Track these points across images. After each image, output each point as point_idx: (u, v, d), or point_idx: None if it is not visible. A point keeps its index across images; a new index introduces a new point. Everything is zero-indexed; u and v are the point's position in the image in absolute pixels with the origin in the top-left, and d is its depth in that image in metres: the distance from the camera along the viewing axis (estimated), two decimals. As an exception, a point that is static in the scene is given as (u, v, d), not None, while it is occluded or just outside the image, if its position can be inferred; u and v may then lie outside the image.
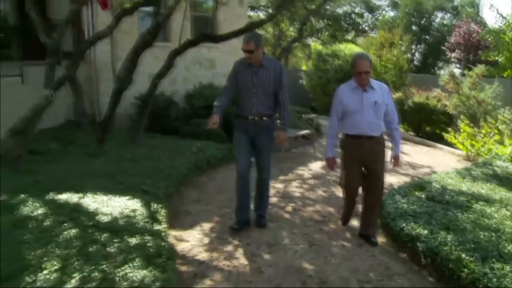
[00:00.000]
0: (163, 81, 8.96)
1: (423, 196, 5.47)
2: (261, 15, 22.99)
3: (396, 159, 4.67)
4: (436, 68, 20.97)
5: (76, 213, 4.56)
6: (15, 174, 6.03)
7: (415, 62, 24.91)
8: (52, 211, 4.57)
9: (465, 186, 5.98)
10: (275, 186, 6.73)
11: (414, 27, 24.80)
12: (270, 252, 4.34)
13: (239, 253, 4.30)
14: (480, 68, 11.29)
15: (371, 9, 28.34)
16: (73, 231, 4.06)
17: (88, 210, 4.64)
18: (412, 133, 13.03)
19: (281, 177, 7.36)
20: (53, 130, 9.49)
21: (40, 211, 4.57)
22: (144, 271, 3.38)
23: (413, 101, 12.58)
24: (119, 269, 3.38)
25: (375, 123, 4.41)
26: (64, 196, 5.07)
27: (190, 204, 5.90)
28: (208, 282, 3.74)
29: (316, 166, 8.23)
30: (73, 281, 3.18)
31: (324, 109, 14.24)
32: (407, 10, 24.89)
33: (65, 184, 5.60)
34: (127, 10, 6.83)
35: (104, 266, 3.42)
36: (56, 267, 3.37)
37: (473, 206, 5.09)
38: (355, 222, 5.08)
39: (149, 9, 9.31)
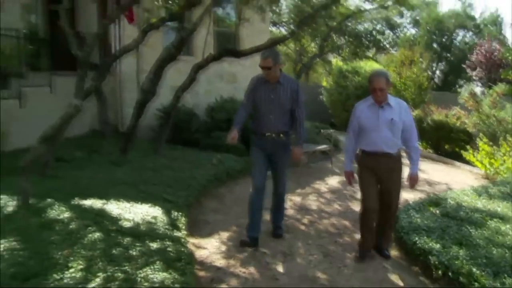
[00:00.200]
0: (185, 94, 9.20)
1: (437, 212, 5.55)
2: (283, 31, 23.26)
3: (412, 178, 4.56)
4: (457, 86, 20.93)
5: (100, 217, 4.76)
6: (42, 179, 6.29)
7: (436, 80, 24.87)
8: (77, 215, 4.77)
9: (481, 203, 6.03)
10: (292, 199, 6.88)
11: (435, 45, 24.80)
12: (285, 261, 4.48)
13: (255, 261, 4.45)
14: (500, 87, 11.30)
15: (393, 26, 28.41)
16: (97, 234, 4.25)
17: (112, 216, 4.83)
18: (430, 151, 13.03)
19: (298, 191, 7.50)
20: (78, 138, 9.79)
21: (66, 214, 4.77)
22: (164, 274, 3.54)
23: (432, 119, 12.62)
24: (140, 271, 3.55)
25: (391, 140, 4.39)
26: (88, 202, 5.27)
27: (209, 213, 6.07)
28: (224, 287, 3.90)
29: (333, 180, 8.35)
30: (97, 280, 3.35)
31: (344, 125, 14.32)
32: (428, 28, 24.93)
33: (89, 190, 5.82)
34: (153, 25, 7.09)
35: (126, 267, 3.59)
36: (81, 267, 3.55)
37: (488, 223, 5.14)
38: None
39: (173, 23, 9.59)
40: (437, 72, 25.71)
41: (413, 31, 28.84)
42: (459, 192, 6.73)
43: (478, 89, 17.07)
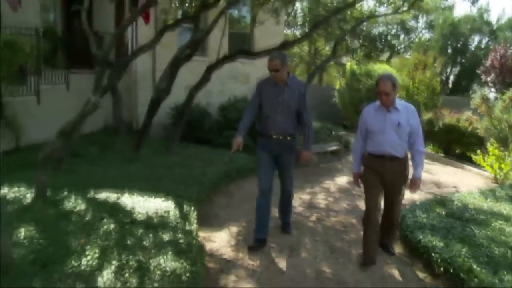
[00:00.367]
0: (199, 93, 9.37)
1: (443, 212, 5.65)
2: (298, 33, 23.38)
3: (414, 182, 4.50)
4: (470, 91, 20.88)
5: (115, 210, 4.95)
6: (57, 174, 6.49)
7: (449, 85, 24.83)
8: (92, 207, 4.96)
9: (487, 205, 6.13)
10: (302, 197, 7.03)
11: (449, 50, 24.75)
12: (292, 256, 4.62)
13: (263, 254, 4.59)
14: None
15: (407, 30, 28.42)
16: (112, 225, 4.44)
17: (126, 208, 5.01)
18: (442, 154, 13.08)
19: (308, 189, 7.64)
20: (92, 134, 10.04)
21: (82, 206, 4.97)
22: (176, 263, 3.70)
23: (443, 123, 12.68)
24: (153, 260, 3.72)
25: (397, 143, 4.39)
26: (103, 195, 5.47)
27: (219, 209, 6.24)
28: (232, 277, 4.06)
29: (342, 180, 8.47)
30: (112, 267, 3.52)
31: (355, 127, 14.43)
32: (443, 33, 24.89)
33: (104, 184, 6.01)
34: (169, 26, 7.27)
35: (139, 256, 3.77)
36: (97, 255, 3.73)
37: (492, 224, 5.25)
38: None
39: (188, 24, 9.78)
40: (451, 76, 25.64)
41: (427, 35, 28.84)
42: (466, 194, 6.83)
43: (491, 95, 17.02)
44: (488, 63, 18.01)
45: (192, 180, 6.79)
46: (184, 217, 5.01)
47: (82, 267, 3.50)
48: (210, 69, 8.69)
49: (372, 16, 14.70)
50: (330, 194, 7.41)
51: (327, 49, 24.92)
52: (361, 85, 16.47)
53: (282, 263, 4.42)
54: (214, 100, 12.50)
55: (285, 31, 18.23)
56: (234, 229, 5.41)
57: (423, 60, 16.88)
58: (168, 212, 5.05)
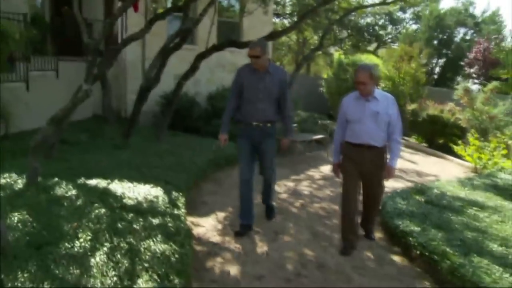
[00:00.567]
0: (187, 82, 9.49)
1: (422, 199, 5.89)
2: (286, 22, 23.50)
3: (389, 170, 4.53)
4: (455, 83, 21.20)
5: (105, 195, 5.10)
6: (48, 161, 6.61)
7: (435, 76, 25.15)
8: (83, 193, 5.11)
9: (464, 193, 6.39)
10: (287, 185, 7.26)
11: (435, 42, 25.04)
12: (276, 240, 4.83)
13: (249, 239, 4.79)
14: (493, 84, 11.62)
15: (394, 21, 28.64)
16: (103, 210, 4.59)
17: (116, 194, 5.17)
18: (425, 145, 13.37)
19: (293, 177, 7.86)
20: (81, 122, 10.13)
21: (73, 192, 5.11)
22: (165, 246, 3.88)
23: (427, 114, 12.95)
24: (143, 242, 3.90)
25: (376, 133, 4.43)
26: (94, 182, 5.61)
27: (207, 195, 6.42)
28: (219, 259, 4.26)
29: (327, 169, 8.68)
30: (104, 249, 3.70)
31: (341, 117, 14.64)
32: (430, 22, 25.15)
33: (94, 171, 6.15)
34: (159, 15, 7.38)
35: (130, 239, 3.94)
36: (89, 237, 3.89)
37: (468, 210, 5.51)
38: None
39: (177, 13, 9.87)
40: (437, 68, 25.97)
41: (414, 26, 29.08)
42: (444, 182, 7.08)
43: (475, 86, 17.35)
44: (471, 55, 18.35)
45: (181, 167, 6.95)
46: (173, 203, 5.18)
47: (76, 249, 3.67)
48: (199, 58, 8.81)
49: (359, 6, 14.89)
50: (315, 182, 7.63)
51: (315, 39, 25.08)
52: (348, 75, 16.64)
53: (266, 247, 4.62)
54: (203, 89, 12.63)
55: (273, 20, 18.31)
56: (221, 215, 5.60)
57: (409, 51, 17.08)
58: (157, 198, 5.21)
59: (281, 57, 29.26)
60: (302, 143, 10.12)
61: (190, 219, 5.22)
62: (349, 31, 25.80)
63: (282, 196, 6.55)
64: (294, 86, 13.12)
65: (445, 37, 25.34)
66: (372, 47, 28.52)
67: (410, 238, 4.54)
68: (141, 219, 4.46)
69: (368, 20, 27.66)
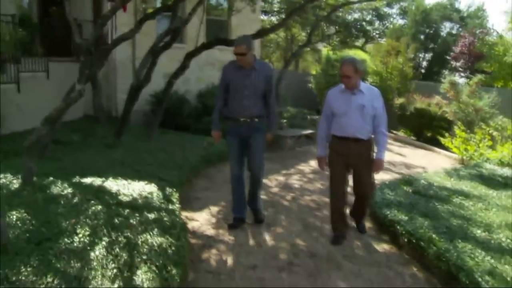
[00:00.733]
0: (177, 80, 9.60)
1: (409, 190, 6.06)
2: (274, 19, 23.62)
3: (377, 163, 4.58)
4: (442, 76, 21.45)
5: (101, 193, 5.21)
6: (41, 161, 6.70)
7: (422, 70, 25.43)
8: (79, 191, 5.21)
9: (450, 183, 6.58)
10: (278, 179, 7.42)
11: (422, 36, 25.31)
12: (269, 231, 4.98)
13: (242, 231, 4.93)
14: (477, 77, 11.86)
15: (382, 17, 28.86)
16: (99, 207, 4.70)
17: (111, 191, 5.28)
18: (413, 138, 13.59)
19: (283, 172, 8.02)
20: (73, 123, 10.20)
21: (69, 190, 5.21)
22: (162, 239, 4.01)
23: (415, 107, 13.17)
24: (140, 236, 4.02)
25: (362, 126, 4.47)
26: (88, 180, 5.72)
27: (200, 191, 6.55)
28: (214, 251, 4.40)
29: (316, 163, 8.83)
30: (103, 243, 3.81)
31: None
32: (416, 17, 25.41)
33: (88, 170, 6.26)
34: (149, 15, 7.49)
35: (127, 233, 4.06)
36: (88, 233, 4.01)
37: (453, 199, 5.69)
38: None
39: (166, 12, 9.96)
40: (424, 62, 26.25)
41: (401, 21, 29.33)
42: (432, 173, 7.27)
43: (461, 80, 17.60)
44: (457, 49, 18.61)
45: (173, 164, 7.08)
46: (167, 198, 5.30)
47: (75, 244, 3.78)
48: (189, 57, 8.92)
49: (346, 3, 15.03)
50: (305, 176, 7.79)
51: (303, 35, 25.23)
52: (336, 71, 16.82)
53: (259, 238, 4.76)
54: (192, 87, 12.74)
55: (261, 18, 18.43)
56: (214, 209, 5.73)
57: (396, 46, 17.28)
58: (151, 194, 5.33)
59: (269, 54, 29.39)
60: (292, 138, 10.28)
61: (184, 214, 5.35)
62: (336, 27, 25.95)
63: (274, 190, 6.71)
64: (283, 82, 13.28)
65: (431, 31, 25.62)
66: (359, 42, 28.73)
67: (398, 227, 4.70)
68: (137, 215, 4.57)
69: (356, 16, 27.84)
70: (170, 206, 5.02)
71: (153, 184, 5.74)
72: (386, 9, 28.88)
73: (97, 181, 5.71)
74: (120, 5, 6.05)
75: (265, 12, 23.07)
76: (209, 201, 6.05)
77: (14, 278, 3.14)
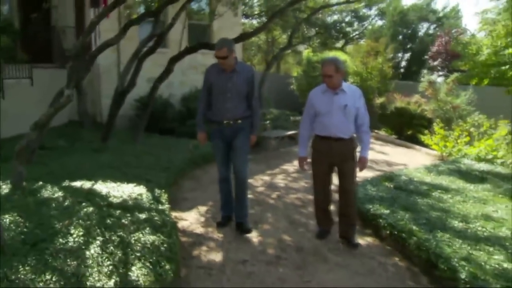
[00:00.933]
0: (161, 84, 9.71)
1: (391, 185, 6.29)
2: (255, 22, 23.83)
3: (362, 161, 4.64)
4: (421, 76, 21.93)
5: (91, 195, 5.31)
6: (28, 166, 6.77)
7: (401, 70, 25.89)
8: (70, 194, 5.31)
9: (430, 178, 6.83)
10: (263, 179, 7.61)
11: (400, 37, 25.79)
12: (257, 228, 5.14)
13: (230, 229, 5.08)
14: (454, 76, 12.20)
15: (361, 18, 29.30)
16: (91, 209, 4.81)
17: (101, 194, 5.38)
18: (394, 136, 13.88)
19: (268, 172, 8.20)
20: (58, 128, 10.26)
21: (60, 194, 5.31)
22: (154, 237, 4.15)
23: (395, 106, 13.46)
24: (133, 235, 4.15)
25: (344, 125, 4.50)
26: (78, 183, 5.81)
27: (188, 192, 6.70)
28: (204, 248, 4.56)
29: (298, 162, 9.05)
30: (97, 242, 3.94)
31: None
32: (394, 18, 25.88)
33: (77, 174, 6.36)
34: (134, 21, 7.61)
35: (120, 233, 4.19)
36: (81, 233, 4.13)
37: (433, 193, 5.93)
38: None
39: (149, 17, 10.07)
40: (402, 62, 26.74)
41: (380, 22, 29.81)
42: (412, 169, 7.52)
43: (440, 79, 18.00)
44: (434, 49, 19.02)
45: (160, 167, 7.20)
46: (156, 199, 5.42)
47: (70, 244, 3.90)
48: (173, 61, 9.06)
49: (325, 6, 15.31)
50: (289, 175, 7.99)
51: (283, 38, 25.48)
52: (317, 72, 17.07)
53: (247, 235, 4.92)
54: (176, 91, 12.87)
55: (242, 21, 18.64)
56: (202, 209, 5.88)
57: (375, 47, 17.60)
58: (141, 195, 5.45)
59: (251, 57, 29.58)
60: (276, 139, 10.47)
61: (173, 214, 5.47)
62: (316, 29, 26.28)
63: (259, 189, 6.89)
64: (266, 84, 13.48)
65: (409, 32, 26.13)
66: (339, 44, 29.10)
67: (380, 220, 4.92)
68: (128, 215, 4.69)
69: (335, 17, 28.24)
70: (160, 207, 5.14)
71: (142, 186, 5.86)
72: (365, 10, 29.33)
73: (86, 184, 5.81)
74: (107, 12, 6.17)
75: (246, 16, 23.27)
76: (196, 201, 6.19)
77: (13, 277, 3.26)
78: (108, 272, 3.43)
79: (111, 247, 3.87)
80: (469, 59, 8.20)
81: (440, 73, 19.05)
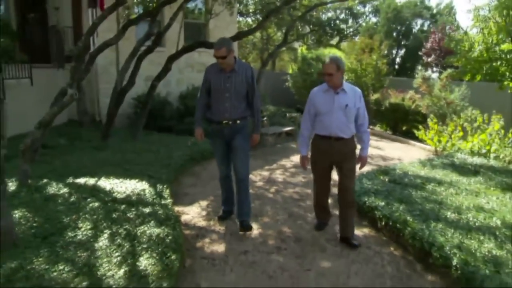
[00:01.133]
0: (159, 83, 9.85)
1: (386, 179, 6.48)
2: (250, 20, 23.97)
3: (362, 159, 4.76)
4: (415, 72, 22.16)
5: (96, 191, 5.50)
6: (33, 164, 6.91)
7: (396, 66, 26.11)
8: (75, 190, 5.49)
9: (424, 172, 7.02)
10: (261, 174, 7.78)
11: (394, 33, 26.00)
12: (257, 221, 5.32)
13: (231, 222, 5.26)
14: (447, 72, 12.40)
15: (355, 15, 29.49)
16: (96, 204, 5.00)
17: (105, 190, 5.57)
18: (389, 132, 14.08)
19: (267, 167, 8.37)
20: (58, 127, 10.38)
21: (65, 190, 5.48)
22: (159, 229, 4.32)
23: (389, 102, 13.66)
24: (138, 228, 4.33)
25: (345, 125, 4.51)
26: (82, 180, 5.99)
27: (188, 187, 6.86)
28: (207, 240, 4.74)
29: (297, 158, 9.01)
30: (105, 235, 4.12)
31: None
32: (388, 15, 26.09)
33: (80, 171, 6.52)
34: (133, 20, 7.75)
35: (126, 226, 4.37)
36: (89, 227, 4.31)
37: (427, 186, 6.12)
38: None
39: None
40: (397, 58, 26.95)
41: (374, 19, 30.01)
42: (407, 163, 7.71)
43: (434, 75, 18.21)
44: (428, 45, 19.23)
45: (160, 163, 7.36)
46: (159, 194, 5.60)
47: (79, 237, 4.08)
48: (171, 60, 9.20)
49: (319, 4, 15.45)
50: (287, 170, 8.16)
51: (278, 35, 25.62)
52: (312, 69, 17.25)
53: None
54: (173, 89, 13.02)
55: (238, 19, 18.78)
56: (203, 203, 6.05)
57: (369, 44, 17.76)
58: (144, 190, 5.63)
59: (246, 55, 29.71)
60: (273, 135, 10.65)
61: (175, 208, 5.64)
62: (311, 26, 26.44)
63: (258, 184, 7.07)
64: (262, 82, 13.64)
65: (403, 28, 26.34)
66: (334, 41, 29.28)
67: (376, 212, 5.10)
68: (133, 209, 4.88)
69: (329, 14, 28.41)
70: (163, 201, 5.32)
71: (144, 182, 6.03)
72: (359, 7, 29.53)
73: (90, 180, 5.98)
74: (108, 13, 6.32)
75: (241, 14, 23.39)
76: (197, 196, 6.36)
77: (28, 267, 3.43)
78: (117, 262, 3.61)
79: (119, 240, 4.05)
80: (461, 55, 8.39)
81: (435, 69, 19.26)
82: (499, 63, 8.41)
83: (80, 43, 6.19)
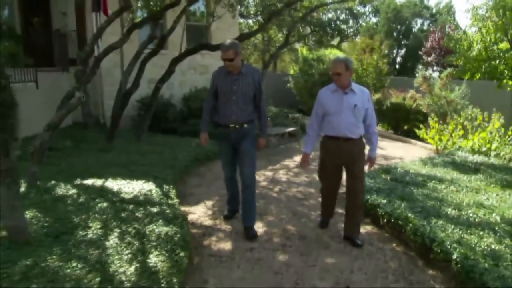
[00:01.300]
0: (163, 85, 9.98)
1: (388, 177, 6.59)
2: (251, 22, 24.09)
3: (371, 160, 4.78)
4: (416, 71, 22.28)
5: (104, 192, 5.61)
6: (40, 166, 7.04)
7: (396, 66, 26.23)
8: (83, 191, 5.61)
9: (425, 170, 7.13)
10: (265, 174, 7.90)
11: (394, 33, 26.13)
12: (262, 220, 5.45)
13: (237, 220, 5.38)
14: (447, 71, 12.52)
15: (355, 16, 29.61)
16: (105, 204, 5.12)
17: (113, 190, 5.68)
18: (390, 131, 14.19)
19: (270, 167, 8.50)
20: (63, 130, 10.49)
21: (73, 191, 5.60)
22: (167, 228, 4.44)
23: (390, 102, 13.78)
24: (147, 227, 4.45)
25: (354, 125, 4.50)
26: (89, 181, 6.10)
27: (193, 188, 6.99)
28: (214, 238, 4.86)
29: (300, 158, 9.35)
30: (115, 234, 4.24)
31: (310, 110, 15.32)
32: (388, 15, 26.22)
33: (86, 172, 6.64)
34: (138, 24, 7.88)
35: (135, 225, 4.49)
36: (99, 226, 4.43)
37: (428, 184, 6.24)
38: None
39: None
40: (398, 58, 27.07)
41: (374, 19, 30.14)
42: (408, 162, 7.83)
43: (435, 74, 18.31)
44: (428, 44, 19.34)
45: (165, 164, 7.48)
46: (166, 194, 5.72)
47: (90, 236, 4.20)
48: (174, 62, 9.34)
49: (320, 5, 15.57)
50: (290, 170, 8.29)
51: (280, 36, 25.74)
52: (313, 70, 17.38)
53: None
54: (177, 91, 13.16)
55: (239, 21, 18.90)
56: (209, 203, 6.18)
57: (370, 44, 17.93)
58: (150, 191, 5.75)
59: (247, 56, 29.84)
60: (276, 136, 10.76)
61: (182, 208, 5.76)
62: (312, 27, 26.55)
63: (262, 184, 7.19)
64: (264, 83, 13.75)
65: (403, 28, 26.47)
66: (335, 41, 29.41)
67: (378, 209, 5.22)
68: (141, 209, 5.00)
69: (330, 15, 28.53)
70: (170, 201, 5.44)
71: (150, 182, 6.15)
72: (360, 8, 29.64)
73: (97, 182, 6.10)
74: (115, 17, 6.45)
75: (242, 15, 23.51)
76: (203, 196, 6.49)
77: (43, 265, 3.55)
78: (128, 260, 3.72)
79: (128, 238, 4.17)
80: (461, 54, 8.50)
81: (435, 68, 19.38)
82: (497, 61, 8.53)
83: (87, 47, 6.32)
